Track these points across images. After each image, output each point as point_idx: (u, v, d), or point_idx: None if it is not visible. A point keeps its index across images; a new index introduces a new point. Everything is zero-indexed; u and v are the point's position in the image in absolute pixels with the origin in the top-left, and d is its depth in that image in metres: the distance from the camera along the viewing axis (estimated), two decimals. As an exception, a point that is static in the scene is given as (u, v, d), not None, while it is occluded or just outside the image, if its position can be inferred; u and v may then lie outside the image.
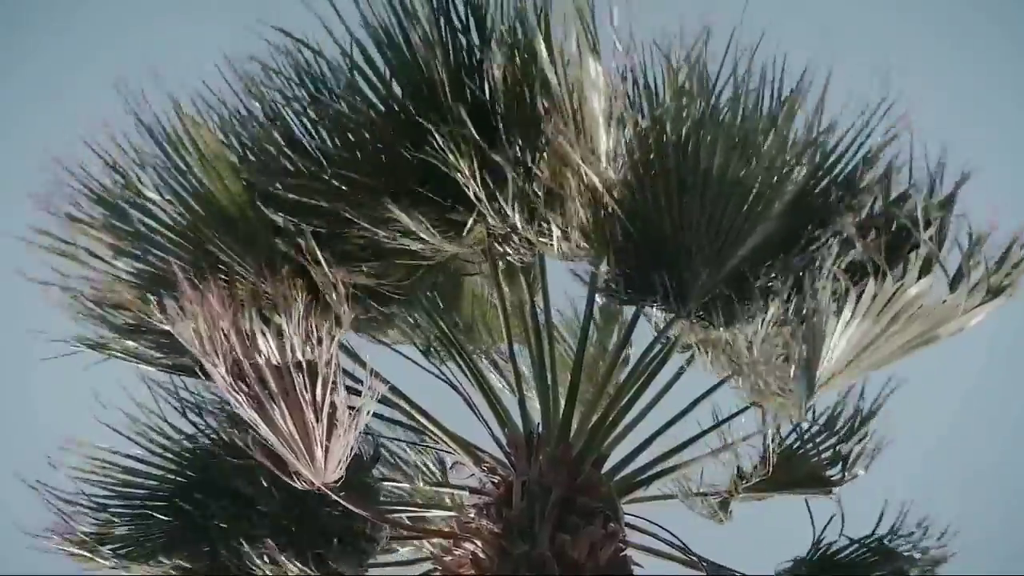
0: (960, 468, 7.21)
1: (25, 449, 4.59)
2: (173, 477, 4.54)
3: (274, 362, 3.32)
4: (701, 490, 4.38)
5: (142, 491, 4.55)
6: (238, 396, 3.41)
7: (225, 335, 3.31)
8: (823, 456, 4.46)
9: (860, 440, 4.43)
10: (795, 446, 4.45)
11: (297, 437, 3.39)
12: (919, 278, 3.17)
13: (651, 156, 3.50)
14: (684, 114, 3.49)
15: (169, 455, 4.55)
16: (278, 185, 3.92)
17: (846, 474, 4.43)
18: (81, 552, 4.32)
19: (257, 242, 3.93)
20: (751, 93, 3.59)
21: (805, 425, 4.42)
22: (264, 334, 3.32)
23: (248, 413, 3.44)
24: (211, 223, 3.92)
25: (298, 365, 3.31)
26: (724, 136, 3.50)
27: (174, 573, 4.35)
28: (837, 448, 4.46)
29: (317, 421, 3.35)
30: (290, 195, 3.90)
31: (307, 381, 3.32)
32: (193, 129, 3.91)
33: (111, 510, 4.47)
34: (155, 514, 4.46)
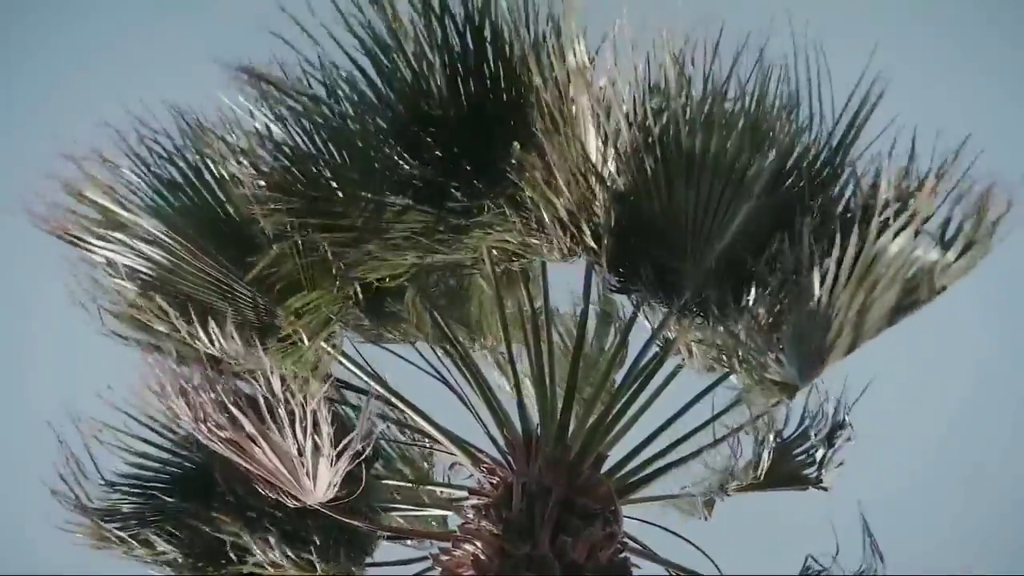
0: (960, 468, 7.23)
1: (36, 424, 4.63)
2: (179, 460, 4.60)
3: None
4: (689, 490, 4.41)
5: (149, 472, 4.61)
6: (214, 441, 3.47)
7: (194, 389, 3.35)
8: (805, 456, 4.56)
9: (838, 441, 4.49)
10: (780, 446, 4.52)
11: (283, 469, 3.44)
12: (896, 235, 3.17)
13: (639, 143, 3.46)
14: (668, 99, 3.45)
15: (177, 438, 4.59)
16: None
17: (823, 474, 4.53)
18: (89, 523, 4.39)
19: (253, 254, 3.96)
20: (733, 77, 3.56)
21: (790, 429, 4.51)
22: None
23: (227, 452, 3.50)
24: (206, 236, 3.95)
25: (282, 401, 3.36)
26: (706, 117, 3.46)
27: (175, 552, 4.41)
28: (817, 449, 4.54)
29: (300, 455, 3.39)
30: (287, 205, 3.92)
31: (289, 419, 3.37)
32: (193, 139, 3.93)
33: (119, 487, 4.55)
34: (161, 495, 4.53)
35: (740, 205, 3.46)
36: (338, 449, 3.45)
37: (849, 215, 3.26)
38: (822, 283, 3.19)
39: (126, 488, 4.56)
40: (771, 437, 4.38)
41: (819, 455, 4.52)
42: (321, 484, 3.56)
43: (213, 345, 3.77)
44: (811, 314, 3.27)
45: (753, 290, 3.61)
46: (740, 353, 3.68)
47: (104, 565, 4.48)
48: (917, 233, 3.13)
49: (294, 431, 3.38)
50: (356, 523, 4.06)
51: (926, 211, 3.11)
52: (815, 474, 4.54)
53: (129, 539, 4.43)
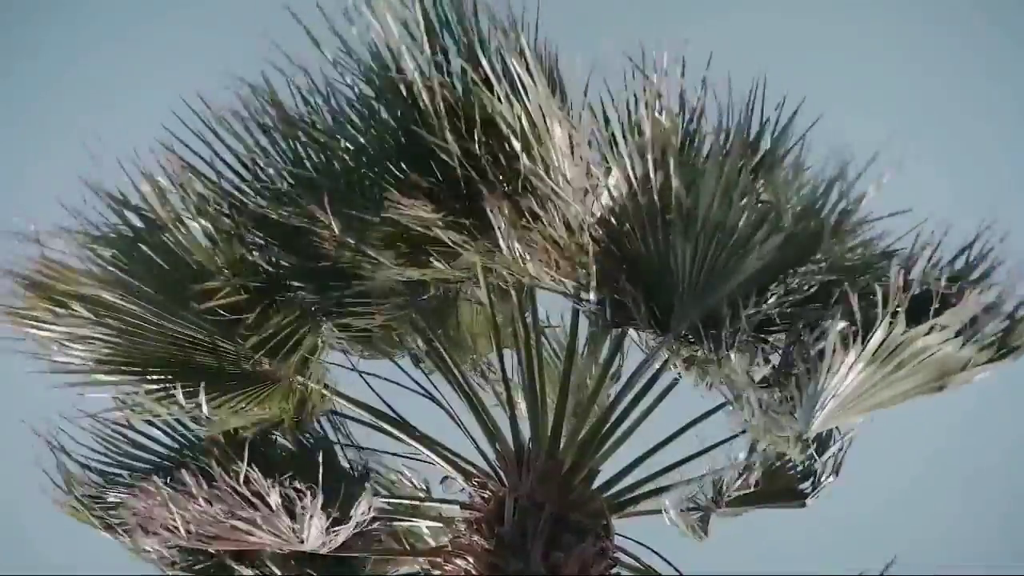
0: (960, 469, 7.21)
1: (33, 410, 4.61)
2: (174, 456, 4.57)
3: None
4: (683, 507, 4.39)
5: (143, 464, 4.58)
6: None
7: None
8: (797, 470, 4.54)
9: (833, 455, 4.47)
10: (772, 462, 4.51)
11: (277, 540, 3.44)
12: (929, 330, 3.12)
13: (636, 195, 3.36)
14: (668, 156, 3.33)
15: (173, 432, 4.57)
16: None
17: (818, 487, 4.52)
18: (78, 509, 4.39)
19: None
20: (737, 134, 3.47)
21: None
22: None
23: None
24: (169, 293, 3.90)
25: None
26: (709, 178, 3.34)
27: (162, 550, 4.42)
28: (810, 463, 4.51)
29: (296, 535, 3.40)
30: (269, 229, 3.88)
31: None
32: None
33: (109, 476, 4.52)
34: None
35: (740, 264, 3.36)
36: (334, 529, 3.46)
37: (872, 296, 3.15)
38: (841, 362, 3.13)
39: (116, 478, 4.54)
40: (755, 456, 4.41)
41: (813, 469, 4.50)
42: (314, 540, 3.57)
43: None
44: (824, 385, 3.21)
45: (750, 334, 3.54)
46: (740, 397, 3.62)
47: (105, 565, 4.50)
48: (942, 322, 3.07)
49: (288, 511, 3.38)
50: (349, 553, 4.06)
51: (961, 315, 3.04)
52: (809, 489, 4.53)
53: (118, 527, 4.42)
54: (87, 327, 3.95)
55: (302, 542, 3.49)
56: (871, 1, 7.19)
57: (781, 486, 4.51)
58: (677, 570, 4.07)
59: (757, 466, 4.25)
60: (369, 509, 3.67)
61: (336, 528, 3.54)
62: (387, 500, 4.48)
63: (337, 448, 4.43)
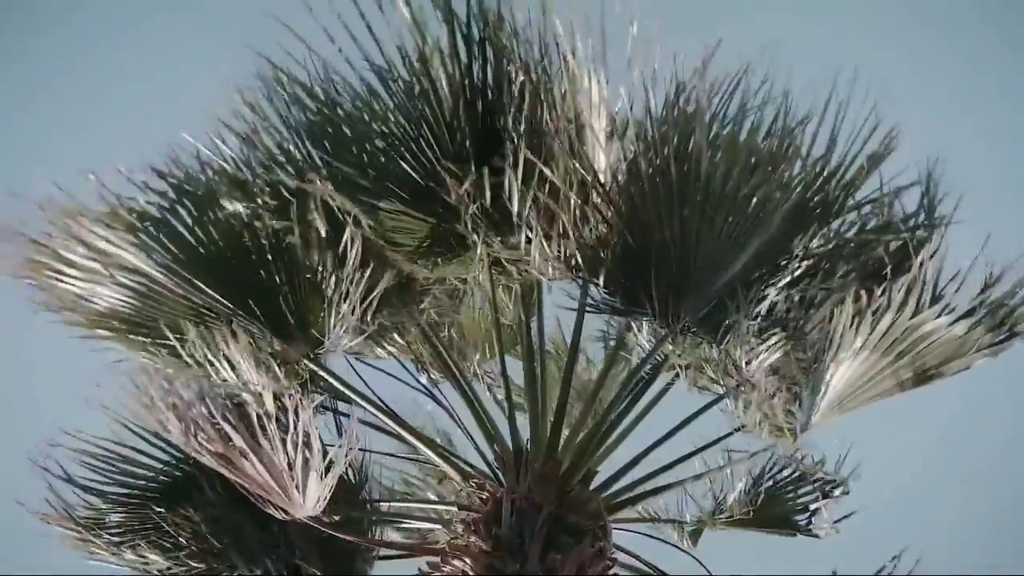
0: (960, 468, 7.20)
1: (25, 431, 4.60)
2: (169, 470, 4.55)
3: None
4: (678, 516, 4.41)
5: (139, 481, 4.57)
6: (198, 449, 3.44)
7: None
8: (798, 501, 4.57)
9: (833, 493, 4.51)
10: (775, 487, 4.56)
11: (272, 483, 3.42)
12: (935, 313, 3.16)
13: (651, 168, 3.42)
14: (684, 126, 3.39)
15: (167, 448, 4.55)
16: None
17: (813, 525, 4.56)
18: (76, 532, 4.36)
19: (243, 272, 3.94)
20: (753, 106, 3.52)
21: (787, 471, 4.52)
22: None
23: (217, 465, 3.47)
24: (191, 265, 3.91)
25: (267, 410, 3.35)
26: (725, 148, 3.42)
27: (164, 564, 4.39)
28: (812, 497, 4.56)
29: (291, 468, 3.37)
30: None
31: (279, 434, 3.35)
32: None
33: (108, 496, 4.51)
34: (150, 504, 4.49)
35: (754, 239, 3.40)
36: (326, 463, 3.42)
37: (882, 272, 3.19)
38: (847, 345, 3.16)
39: (115, 497, 4.52)
40: (765, 475, 4.49)
41: (812, 505, 4.53)
42: (311, 497, 3.54)
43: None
44: (825, 372, 3.23)
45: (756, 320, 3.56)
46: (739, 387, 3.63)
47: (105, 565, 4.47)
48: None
49: (284, 445, 3.35)
50: (345, 537, 4.03)
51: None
52: (805, 522, 4.57)
53: (118, 547, 4.40)
54: (105, 283, 4.01)
55: (299, 490, 3.46)
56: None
57: (778, 513, 4.56)
58: (701, 563, 4.10)
59: (760, 485, 4.27)
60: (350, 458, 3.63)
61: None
62: (385, 501, 4.48)
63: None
